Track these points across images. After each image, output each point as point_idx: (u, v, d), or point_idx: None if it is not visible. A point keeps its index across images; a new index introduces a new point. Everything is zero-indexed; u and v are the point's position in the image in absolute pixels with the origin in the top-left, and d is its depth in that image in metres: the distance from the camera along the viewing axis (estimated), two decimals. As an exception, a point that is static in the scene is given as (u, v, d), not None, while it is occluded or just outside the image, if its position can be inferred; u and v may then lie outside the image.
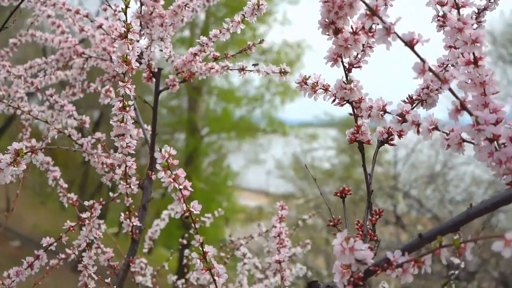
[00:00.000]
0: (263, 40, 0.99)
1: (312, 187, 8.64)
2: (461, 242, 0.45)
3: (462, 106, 0.51)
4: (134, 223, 0.96)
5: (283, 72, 0.84)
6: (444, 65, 0.69)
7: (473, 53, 0.53)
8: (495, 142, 0.51)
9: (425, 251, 0.51)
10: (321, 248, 6.74)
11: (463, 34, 0.52)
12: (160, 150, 0.60)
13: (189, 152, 11.12)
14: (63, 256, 1.15)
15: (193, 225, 0.64)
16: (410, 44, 0.50)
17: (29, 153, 0.67)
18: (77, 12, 1.10)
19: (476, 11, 0.73)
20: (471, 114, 0.51)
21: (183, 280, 1.36)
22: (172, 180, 0.62)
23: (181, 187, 0.62)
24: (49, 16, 1.20)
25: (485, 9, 0.73)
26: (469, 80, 0.55)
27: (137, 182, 0.91)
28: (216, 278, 0.64)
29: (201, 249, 0.64)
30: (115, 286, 0.94)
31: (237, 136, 12.67)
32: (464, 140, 0.54)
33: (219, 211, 1.42)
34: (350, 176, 8.37)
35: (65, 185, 1.09)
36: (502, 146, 0.51)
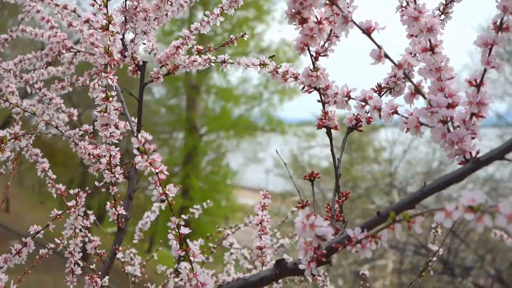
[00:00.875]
0: (245, 33, 1.02)
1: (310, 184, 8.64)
2: (410, 216, 0.47)
3: (416, 90, 0.54)
4: (120, 212, 0.99)
5: (262, 64, 0.86)
6: (413, 54, 0.72)
7: (429, 41, 0.56)
8: (449, 124, 0.54)
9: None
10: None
11: (419, 23, 0.55)
12: (137, 136, 0.63)
13: (188, 151, 11.15)
14: (52, 245, 1.18)
15: (170, 208, 0.67)
16: (367, 31, 0.53)
17: (13, 140, 0.70)
18: (65, 7, 1.13)
19: (444, 2, 0.76)
20: (425, 98, 0.54)
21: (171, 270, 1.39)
22: (148, 164, 0.65)
23: (157, 171, 0.65)
24: (38, 11, 1.23)
25: (452, 0, 0.76)
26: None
27: (122, 171, 0.94)
28: (192, 258, 0.67)
29: (177, 230, 0.67)
30: (100, 273, 0.96)
31: (235, 134, 12.70)
32: (421, 124, 0.57)
33: (207, 203, 1.45)
34: (348, 174, 8.41)
35: (54, 176, 1.12)
36: (457, 128, 0.54)
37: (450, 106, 0.55)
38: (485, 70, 0.54)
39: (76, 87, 1.33)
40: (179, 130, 11.97)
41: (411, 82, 0.54)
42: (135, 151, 0.64)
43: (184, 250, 0.67)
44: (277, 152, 1.06)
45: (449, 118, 0.53)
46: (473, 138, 0.54)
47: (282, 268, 0.59)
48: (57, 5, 1.13)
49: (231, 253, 1.31)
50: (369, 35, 0.53)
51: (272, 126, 11.82)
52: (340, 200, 0.66)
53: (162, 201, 0.66)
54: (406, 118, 0.58)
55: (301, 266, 0.57)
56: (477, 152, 0.53)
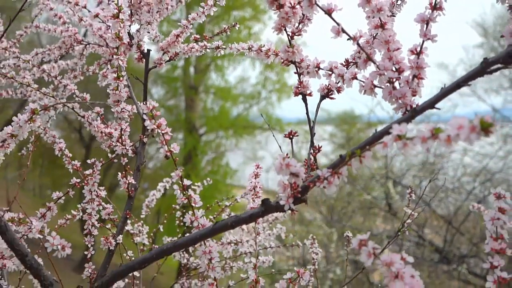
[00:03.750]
0: (236, 23, 1.16)
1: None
2: (359, 151, 0.61)
3: (368, 58, 0.68)
4: (130, 181, 1.13)
5: (249, 48, 1.00)
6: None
7: (380, 19, 0.70)
8: (396, 85, 0.69)
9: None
10: (320, 242, 6.91)
11: (371, 5, 0.69)
12: (146, 103, 0.77)
13: (188, 151, 11.28)
14: (69, 216, 1.33)
15: (174, 163, 0.81)
16: (328, 12, 0.67)
17: (42, 111, 0.84)
18: (77, 4, 1.27)
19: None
20: (375, 63, 0.68)
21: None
22: (156, 127, 0.79)
23: (163, 132, 0.79)
24: (51, 9, 1.37)
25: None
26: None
27: (132, 144, 1.08)
28: (193, 204, 0.81)
29: (180, 182, 0.81)
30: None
31: (234, 134, 12.83)
32: (374, 86, 0.71)
33: (207, 181, 1.60)
34: (350, 173, 8.51)
35: (70, 155, 1.26)
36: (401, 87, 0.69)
37: (398, 71, 0.69)
38: (423, 41, 0.68)
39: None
40: (179, 131, 12.09)
41: (364, 51, 0.68)
42: (145, 116, 0.78)
43: (187, 197, 0.81)
44: (279, 147, 1.18)
45: (394, 79, 0.67)
46: (414, 95, 0.68)
47: (266, 206, 0.73)
48: (69, 2, 1.27)
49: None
50: (329, 15, 0.67)
51: (271, 125, 11.95)
52: (314, 153, 0.80)
53: (167, 157, 0.80)
54: (363, 82, 0.72)
55: (281, 202, 0.71)
56: (416, 105, 0.67)
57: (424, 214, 6.99)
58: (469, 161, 7.95)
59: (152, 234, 1.52)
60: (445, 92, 0.62)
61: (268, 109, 12.68)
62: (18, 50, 1.33)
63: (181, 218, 1.74)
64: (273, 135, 1.07)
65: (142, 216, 1.55)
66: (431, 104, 0.64)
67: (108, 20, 1.18)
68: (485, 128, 0.44)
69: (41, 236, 0.82)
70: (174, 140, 12.52)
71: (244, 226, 1.57)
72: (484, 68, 0.61)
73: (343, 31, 0.67)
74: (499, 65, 0.62)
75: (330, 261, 6.28)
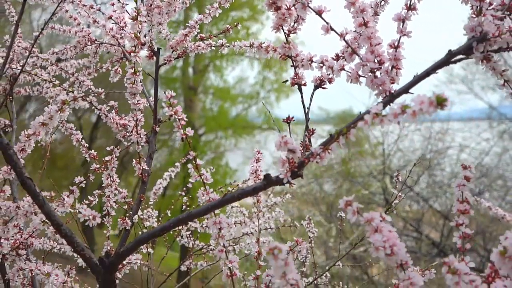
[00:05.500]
0: (238, 23, 1.29)
1: (308, 179, 8.94)
2: (345, 130, 0.73)
3: (353, 52, 0.81)
4: (144, 167, 1.25)
5: (252, 46, 1.13)
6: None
7: (363, 18, 0.82)
8: (376, 74, 0.81)
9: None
10: (321, 240, 7.05)
11: (355, 6, 0.81)
12: (164, 92, 0.89)
13: (187, 151, 11.39)
14: (87, 202, 1.44)
15: (189, 145, 0.93)
16: (319, 13, 0.79)
17: (72, 101, 0.96)
18: (91, 7, 1.39)
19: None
20: (359, 56, 0.80)
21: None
22: (173, 113, 0.91)
23: (179, 117, 0.91)
24: (67, 11, 1.49)
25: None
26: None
27: (145, 133, 1.20)
28: (204, 181, 0.93)
29: (194, 162, 0.93)
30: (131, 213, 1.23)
31: (234, 134, 12.93)
32: (359, 75, 0.83)
33: (210, 169, 1.71)
34: (347, 170, 8.68)
35: (87, 145, 1.38)
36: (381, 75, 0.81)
37: (379, 62, 0.81)
38: (400, 37, 0.80)
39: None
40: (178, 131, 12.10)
41: (349, 46, 0.80)
42: (163, 104, 0.90)
43: (199, 175, 0.93)
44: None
45: (375, 70, 0.79)
46: (392, 83, 0.80)
47: (268, 180, 0.85)
48: (84, 5, 1.39)
49: (232, 206, 1.57)
50: (320, 15, 0.79)
51: (270, 124, 12.06)
52: (308, 135, 0.92)
53: (182, 140, 0.92)
54: (350, 72, 0.84)
55: (280, 176, 0.83)
56: (394, 91, 0.79)
57: (422, 210, 7.13)
58: (466, 157, 8.09)
59: (161, 218, 1.64)
60: (417, 79, 0.75)
61: (267, 108, 12.73)
62: (37, 50, 1.45)
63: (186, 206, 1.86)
64: (278, 130, 1.19)
65: (150, 203, 1.68)
66: (405, 89, 0.76)
67: (121, 21, 1.30)
68: (440, 102, 0.56)
69: (72, 210, 0.94)
70: (174, 140, 12.64)
71: (245, 212, 1.70)
72: (448, 59, 0.73)
73: (332, 29, 0.79)
74: (461, 56, 0.74)
75: (330, 256, 6.41)
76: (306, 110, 0.94)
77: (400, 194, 1.42)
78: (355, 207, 0.69)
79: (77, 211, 0.91)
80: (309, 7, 0.78)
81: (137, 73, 1.05)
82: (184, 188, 1.90)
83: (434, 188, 6.73)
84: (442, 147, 7.34)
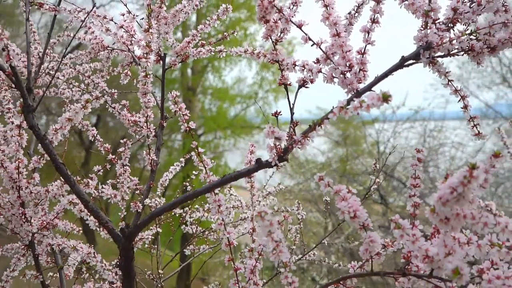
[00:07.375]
0: (234, 31, 1.47)
1: (305, 178, 9.13)
2: (320, 120, 0.91)
3: (327, 57, 0.99)
4: (153, 158, 1.43)
5: (246, 51, 1.31)
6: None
7: (336, 29, 1.00)
8: (347, 75, 0.99)
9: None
10: (319, 236, 7.23)
11: (329, 20, 1.00)
12: (170, 93, 1.08)
13: (186, 152, 11.57)
14: (106, 186, 1.62)
15: (191, 136, 1.11)
16: (299, 26, 0.97)
17: (94, 100, 1.14)
18: (105, 17, 1.57)
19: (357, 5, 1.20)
20: (332, 61, 0.98)
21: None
22: (178, 110, 1.09)
23: (183, 113, 1.09)
24: (82, 21, 1.66)
25: (362, 3, 1.20)
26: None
27: (155, 127, 1.38)
28: (205, 166, 1.11)
29: (196, 150, 1.11)
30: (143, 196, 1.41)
31: (232, 134, 13.10)
32: (333, 76, 1.01)
33: (212, 162, 1.89)
34: (344, 168, 8.85)
35: (101, 139, 1.56)
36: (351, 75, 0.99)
37: (349, 66, 1.00)
38: (365, 45, 0.99)
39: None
40: (177, 132, 12.36)
41: (324, 52, 0.98)
42: (170, 101, 1.09)
43: (201, 161, 1.11)
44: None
45: (346, 72, 0.98)
46: (359, 82, 0.98)
47: (259, 163, 1.03)
48: (98, 16, 1.57)
49: (231, 194, 1.75)
50: (300, 28, 0.97)
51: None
52: (293, 126, 1.10)
53: (186, 131, 1.10)
54: (325, 74, 1.02)
55: (269, 159, 1.01)
56: (360, 89, 0.97)
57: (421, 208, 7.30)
58: (460, 155, 8.29)
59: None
60: (377, 80, 0.93)
61: (265, 108, 12.94)
62: (57, 54, 1.63)
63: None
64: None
65: (158, 193, 1.86)
66: (368, 88, 0.94)
67: (131, 30, 1.48)
68: (385, 98, 0.75)
69: (96, 192, 1.12)
70: (173, 141, 12.81)
71: (242, 200, 1.88)
72: (402, 63, 0.91)
73: (309, 39, 0.97)
74: (413, 61, 0.92)
75: (327, 251, 6.59)
76: (291, 105, 1.12)
77: (378, 180, 1.59)
78: (326, 181, 0.87)
79: (100, 191, 1.09)
80: (291, 21, 0.97)
81: (148, 76, 1.23)
82: (184, 188, 2.08)
83: (428, 184, 6.91)
84: (436, 143, 7.54)
